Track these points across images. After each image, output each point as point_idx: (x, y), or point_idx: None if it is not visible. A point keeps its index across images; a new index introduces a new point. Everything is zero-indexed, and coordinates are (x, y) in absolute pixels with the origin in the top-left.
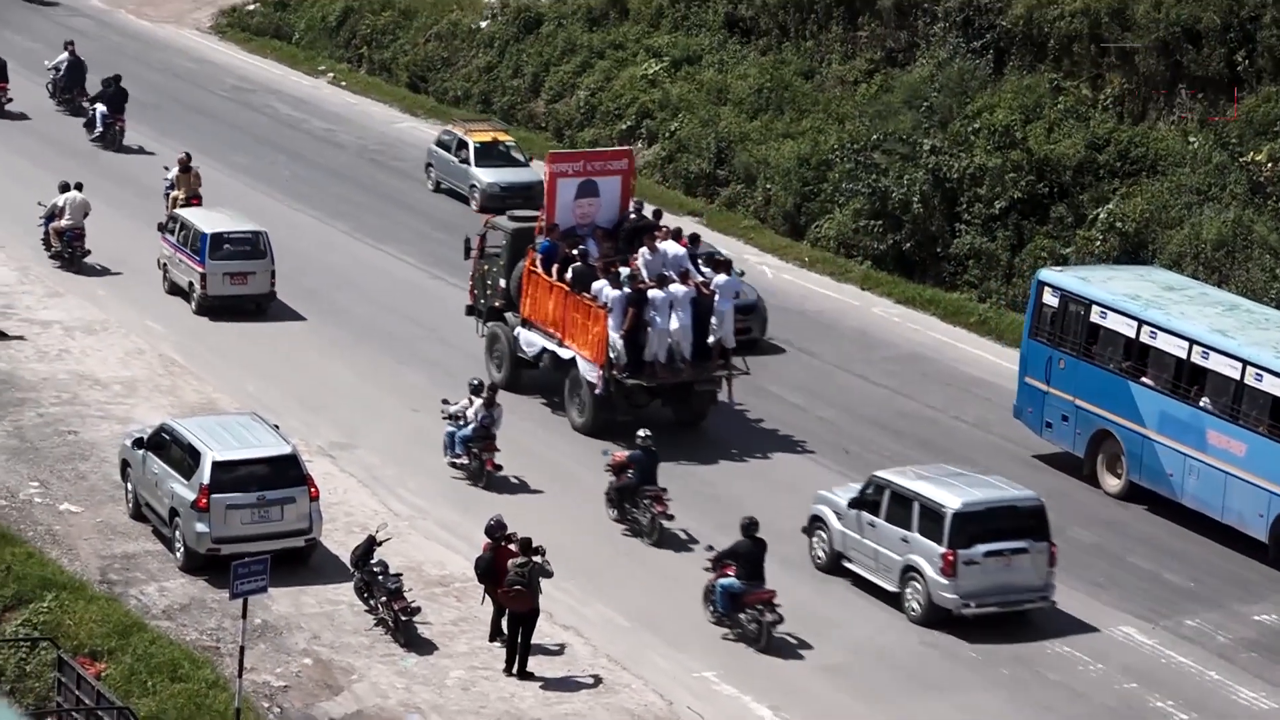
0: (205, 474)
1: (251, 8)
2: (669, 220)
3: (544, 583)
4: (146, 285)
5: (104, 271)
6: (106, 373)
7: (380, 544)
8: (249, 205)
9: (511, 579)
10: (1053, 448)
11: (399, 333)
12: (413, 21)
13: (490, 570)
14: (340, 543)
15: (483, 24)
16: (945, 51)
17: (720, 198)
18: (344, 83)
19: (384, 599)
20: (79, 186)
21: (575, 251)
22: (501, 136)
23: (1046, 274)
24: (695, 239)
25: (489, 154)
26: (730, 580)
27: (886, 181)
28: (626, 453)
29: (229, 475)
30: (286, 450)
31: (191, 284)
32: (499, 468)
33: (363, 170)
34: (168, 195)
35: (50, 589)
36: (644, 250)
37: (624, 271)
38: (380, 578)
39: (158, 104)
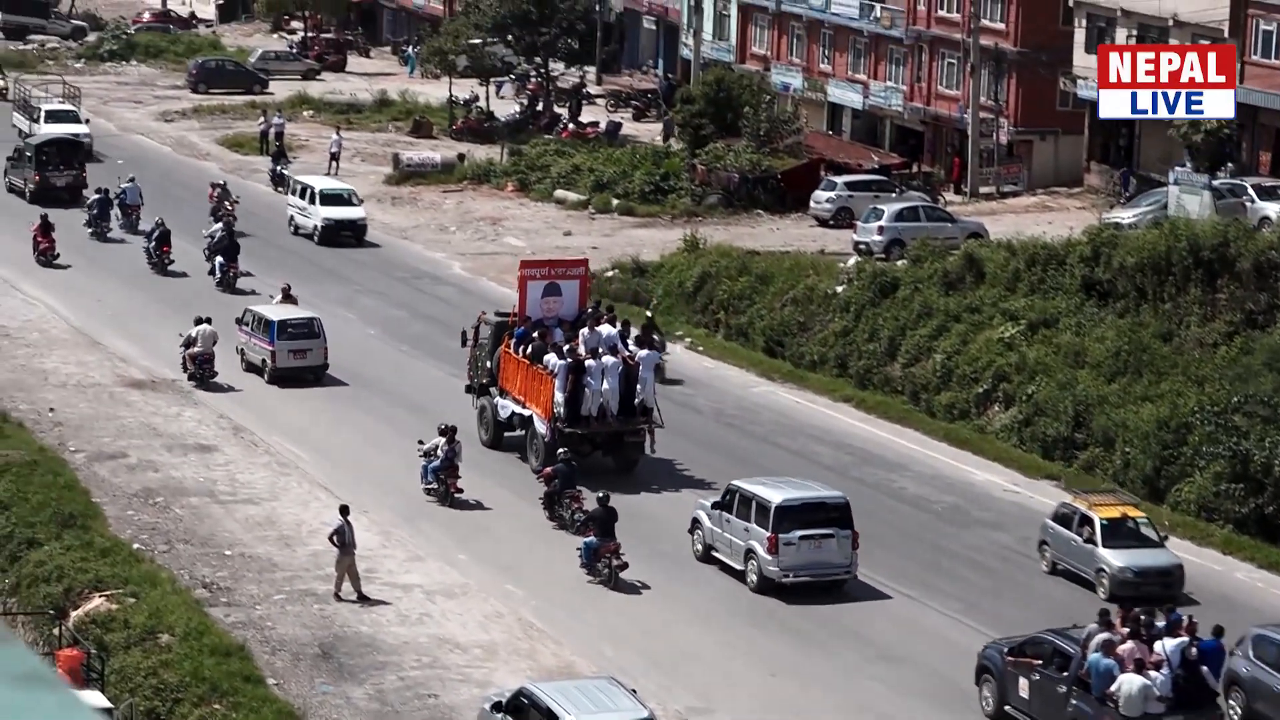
0: None
1: (610, 274)
2: None
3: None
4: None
5: (229, 389)
6: (466, 636)
7: None
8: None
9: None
10: None
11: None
12: (769, 286)
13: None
14: None
15: (839, 288)
16: None
17: (1078, 461)
18: (701, 347)
19: None
20: (209, 320)
21: (536, 334)
22: (1131, 511)
23: None
24: (627, 324)
25: (1118, 532)
26: (590, 539)
27: (1248, 445)
28: (553, 468)
29: None
30: (644, 715)
31: (264, 361)
32: (460, 490)
33: (719, 435)
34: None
35: None
36: (584, 330)
37: (567, 346)
38: None
39: None
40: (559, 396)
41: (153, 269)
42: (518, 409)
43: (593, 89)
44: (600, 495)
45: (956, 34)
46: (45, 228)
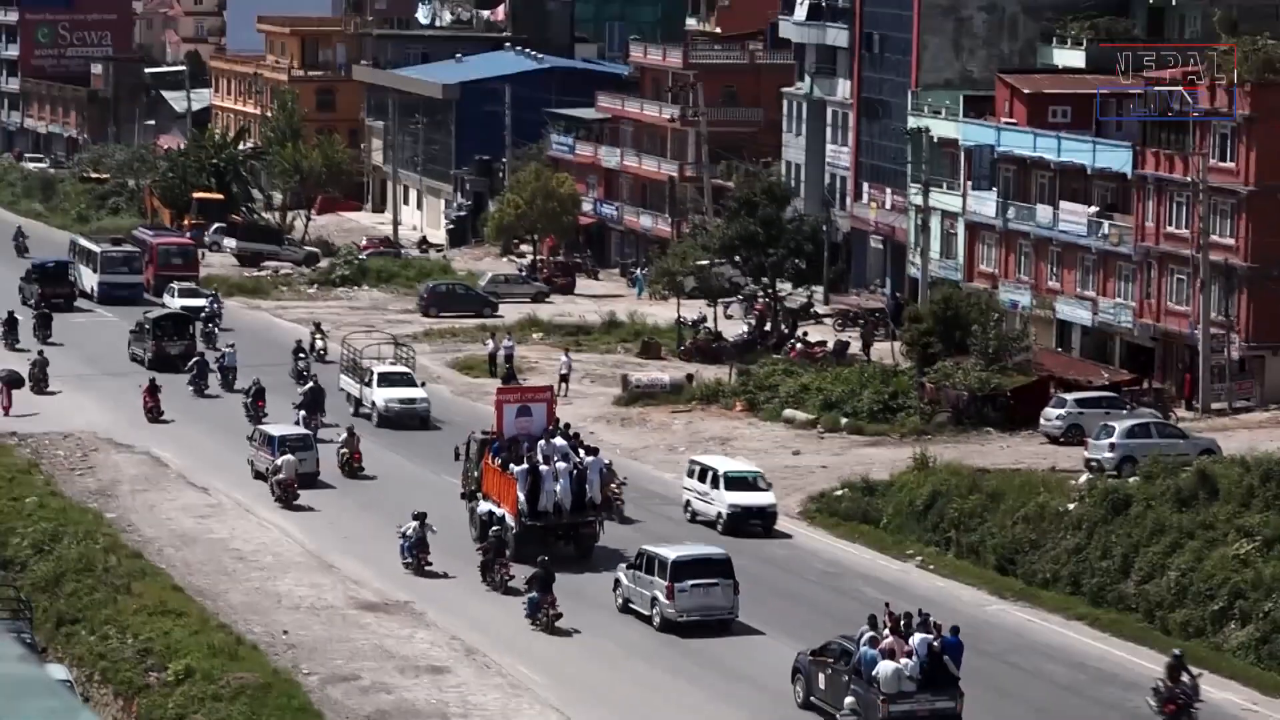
0: None
1: (840, 493)
2: None
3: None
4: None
5: (309, 509)
6: None
7: None
8: None
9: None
10: None
11: None
12: (1000, 504)
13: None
14: None
15: (1071, 506)
16: None
17: None
18: (932, 566)
19: None
20: (293, 451)
21: (507, 449)
22: None
23: None
24: (577, 435)
25: None
26: (533, 594)
27: None
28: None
29: None
30: None
31: (268, 469)
32: (430, 563)
33: None
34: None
35: None
36: (541, 442)
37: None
38: None
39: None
40: (520, 495)
41: (249, 419)
42: (494, 509)
43: (820, 308)
44: (541, 559)
45: (1185, 250)
46: (153, 389)
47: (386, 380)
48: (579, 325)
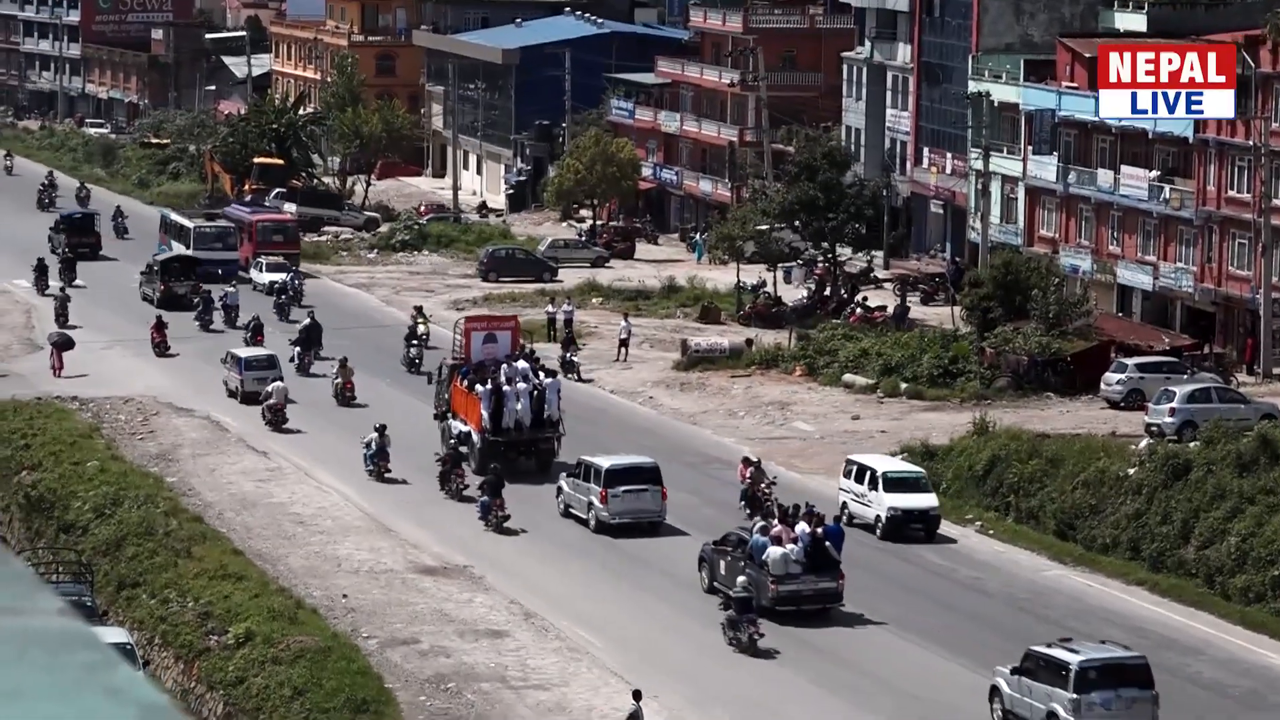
0: None
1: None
2: None
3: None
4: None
5: (297, 432)
6: None
7: None
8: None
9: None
10: None
11: None
12: (1060, 469)
13: None
14: None
15: (1131, 471)
16: None
17: None
18: (991, 531)
19: None
20: (280, 379)
21: (474, 372)
22: None
23: None
24: (537, 359)
25: None
26: (485, 499)
27: None
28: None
29: None
30: None
31: (238, 388)
32: (389, 470)
33: (1010, 618)
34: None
35: None
36: (505, 365)
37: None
38: None
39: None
40: (485, 413)
41: (246, 344)
42: (462, 427)
43: (880, 273)
44: (492, 466)
45: (1246, 214)
46: (159, 325)
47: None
48: (638, 290)
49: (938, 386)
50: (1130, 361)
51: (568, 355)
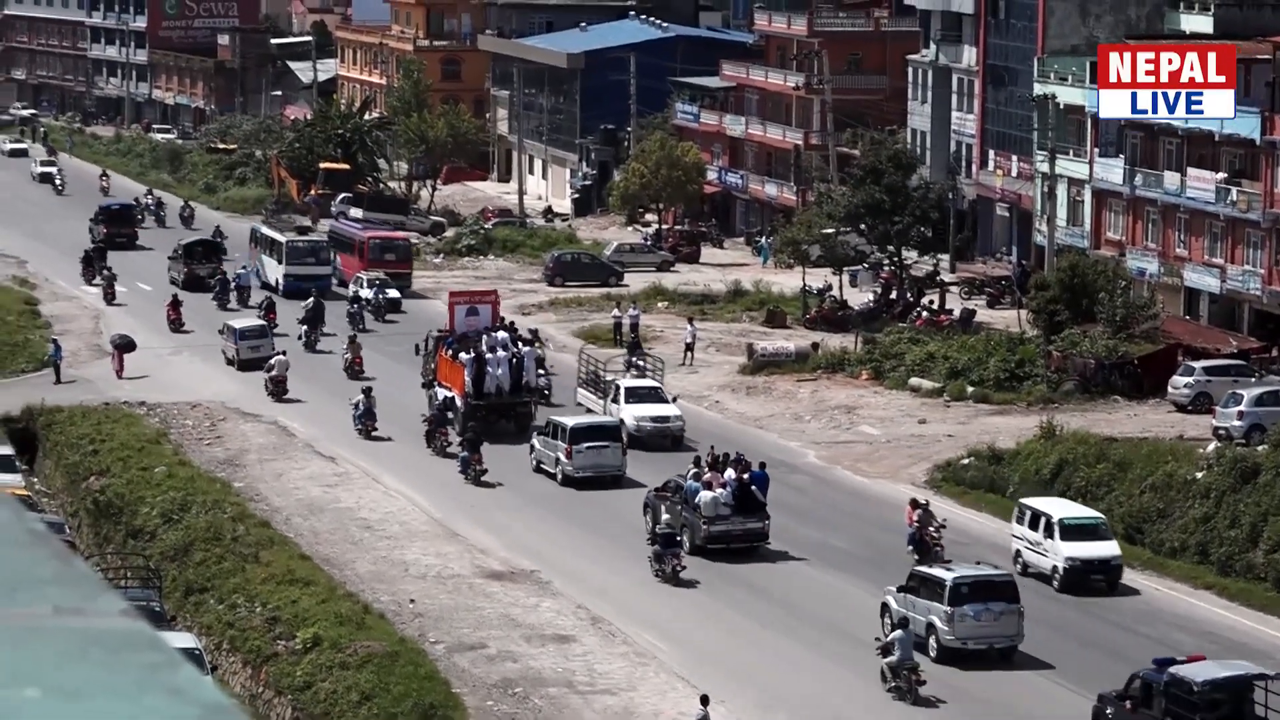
0: None
1: (966, 462)
2: None
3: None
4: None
5: (298, 401)
6: None
7: None
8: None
9: None
10: None
11: None
12: (1127, 473)
13: None
14: None
15: (1199, 474)
16: None
17: None
18: None
19: None
20: (284, 353)
21: (458, 342)
22: None
23: None
24: (515, 329)
25: None
26: (464, 454)
27: None
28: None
29: None
30: None
31: (234, 356)
32: (375, 429)
33: (1078, 622)
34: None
35: None
36: (485, 335)
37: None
38: None
39: (875, 559)
40: (467, 379)
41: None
42: (447, 394)
43: (946, 276)
44: (470, 424)
45: None
46: (175, 303)
47: (635, 395)
48: (704, 294)
49: (1004, 390)
50: (1198, 365)
51: (634, 359)
